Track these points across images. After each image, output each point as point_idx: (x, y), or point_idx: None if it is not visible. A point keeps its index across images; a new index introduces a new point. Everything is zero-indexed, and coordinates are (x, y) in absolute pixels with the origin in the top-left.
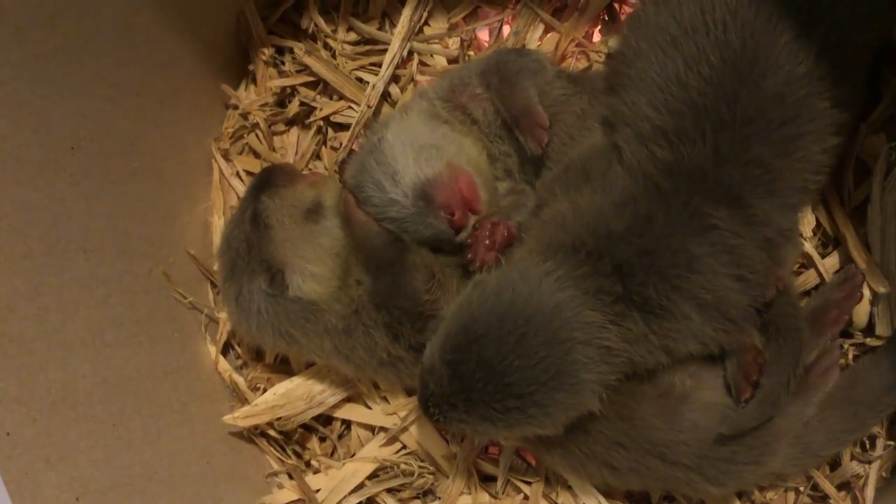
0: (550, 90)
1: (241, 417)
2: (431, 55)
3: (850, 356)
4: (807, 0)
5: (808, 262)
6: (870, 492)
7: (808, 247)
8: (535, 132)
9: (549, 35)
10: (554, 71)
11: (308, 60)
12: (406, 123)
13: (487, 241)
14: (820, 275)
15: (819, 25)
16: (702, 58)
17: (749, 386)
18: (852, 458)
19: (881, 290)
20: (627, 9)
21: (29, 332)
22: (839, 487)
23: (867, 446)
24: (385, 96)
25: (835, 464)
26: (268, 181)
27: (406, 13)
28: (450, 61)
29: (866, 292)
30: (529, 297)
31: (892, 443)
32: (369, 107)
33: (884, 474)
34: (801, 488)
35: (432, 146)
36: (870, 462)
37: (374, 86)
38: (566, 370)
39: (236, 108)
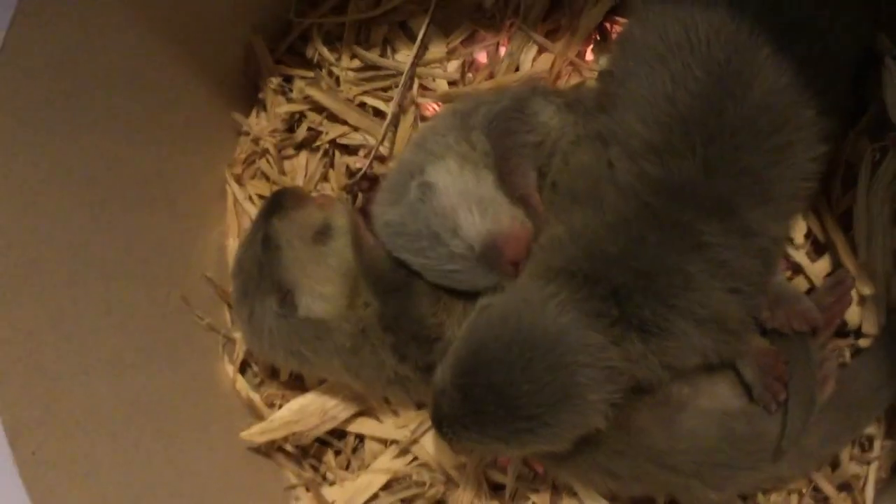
0: (556, 143)
1: (257, 434)
2: (434, 79)
3: (848, 356)
4: (788, 13)
5: (799, 268)
6: (869, 492)
7: (800, 254)
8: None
9: (542, 55)
10: (554, 107)
11: (310, 91)
12: (449, 169)
13: None
14: (810, 280)
15: (801, 36)
16: (688, 73)
17: (782, 386)
18: (851, 458)
19: (867, 291)
20: (618, 28)
21: (52, 358)
22: (840, 488)
23: (865, 446)
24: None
25: (835, 464)
26: (277, 205)
27: (412, 44)
28: (450, 84)
29: (855, 294)
30: (534, 324)
31: (889, 442)
32: (384, 145)
33: (883, 474)
34: (804, 490)
35: (491, 199)
36: (868, 463)
37: (388, 121)
38: (572, 392)
39: (248, 134)
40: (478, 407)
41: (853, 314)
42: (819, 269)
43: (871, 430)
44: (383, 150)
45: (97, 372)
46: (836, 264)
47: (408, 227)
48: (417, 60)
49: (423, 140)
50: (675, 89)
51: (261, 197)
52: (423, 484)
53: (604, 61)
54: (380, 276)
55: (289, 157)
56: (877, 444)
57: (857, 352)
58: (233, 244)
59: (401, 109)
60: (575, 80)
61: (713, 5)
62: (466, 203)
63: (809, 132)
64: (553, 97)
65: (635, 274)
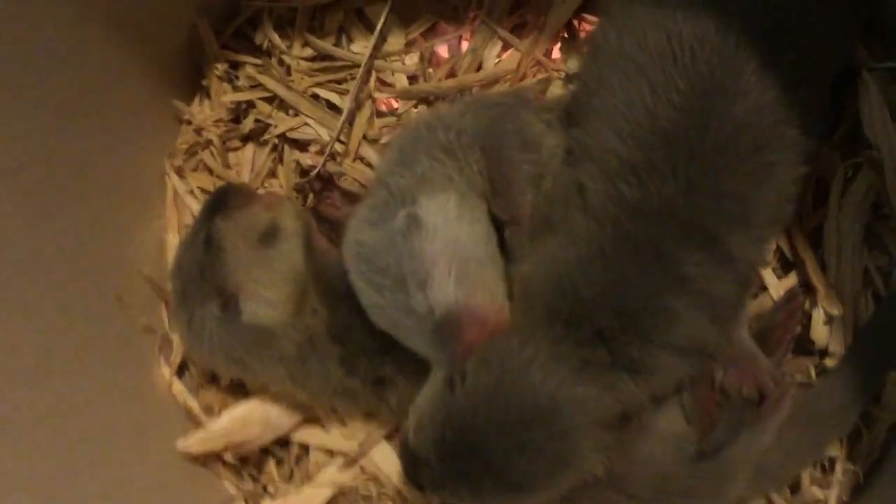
0: (546, 164)
1: (194, 443)
2: (392, 73)
3: (814, 374)
4: (775, 28)
5: (764, 286)
6: None
7: (766, 271)
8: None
9: (508, 53)
10: (544, 125)
11: (262, 79)
12: (445, 208)
13: None
14: (773, 299)
15: (788, 52)
16: (670, 85)
17: (713, 424)
18: (812, 482)
19: (835, 312)
20: (587, 26)
21: None
22: None
23: (826, 468)
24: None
25: (795, 487)
26: (221, 202)
27: (369, 34)
28: (409, 78)
29: (822, 314)
30: (522, 401)
31: (851, 465)
32: (340, 141)
33: (844, 497)
34: None
35: (477, 261)
36: (829, 486)
37: (344, 118)
38: (571, 457)
39: (189, 123)
40: (474, 485)
41: (820, 334)
42: (785, 286)
43: (833, 451)
44: (338, 147)
45: (21, 379)
46: (803, 282)
47: (378, 256)
48: (376, 52)
49: (414, 158)
50: (656, 102)
51: (203, 191)
52: (371, 498)
53: (573, 63)
54: (330, 283)
55: (234, 150)
56: (838, 467)
57: (822, 371)
58: (172, 239)
59: (356, 104)
60: (541, 75)
61: (699, 13)
62: (448, 258)
63: (792, 152)
64: (543, 112)
65: (617, 314)
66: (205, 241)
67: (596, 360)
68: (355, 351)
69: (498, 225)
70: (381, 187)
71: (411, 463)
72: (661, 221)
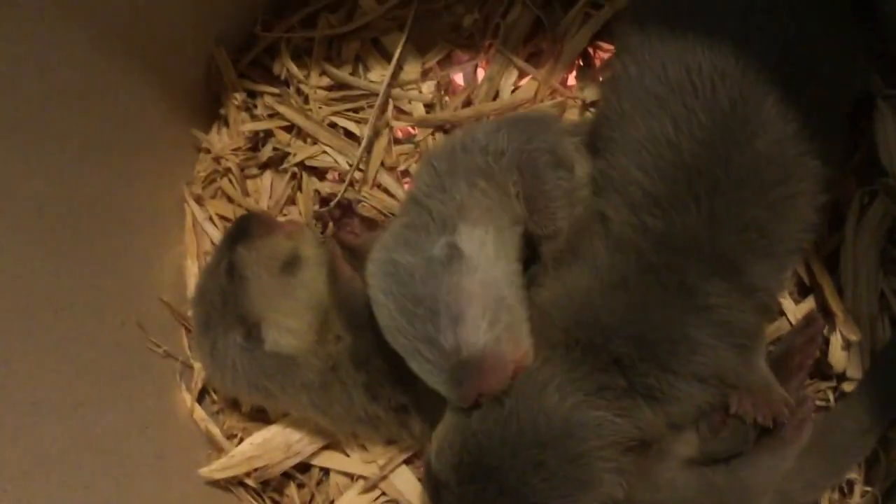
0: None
1: (217, 470)
2: (409, 101)
3: (832, 399)
4: (794, 58)
5: (781, 310)
6: None
7: (783, 295)
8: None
9: (524, 81)
10: (573, 148)
11: (281, 108)
12: (484, 245)
13: None
14: (791, 322)
15: (807, 82)
16: (692, 119)
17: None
18: None
19: (853, 337)
20: (602, 54)
21: None
22: None
23: (845, 491)
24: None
25: None
26: (243, 231)
27: (385, 62)
28: (426, 106)
29: (840, 339)
30: (536, 423)
31: (869, 489)
32: (359, 169)
33: None
34: None
35: (510, 307)
36: None
37: (363, 146)
38: (589, 478)
39: (208, 152)
40: None
41: (838, 358)
42: (802, 310)
43: (851, 474)
44: (356, 174)
45: (47, 412)
46: (820, 307)
47: (413, 283)
48: (394, 81)
49: (453, 183)
50: (679, 135)
51: (222, 218)
52: None
53: (589, 91)
54: (354, 310)
55: (252, 177)
56: (857, 489)
57: (841, 396)
58: (191, 266)
59: (374, 132)
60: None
61: (717, 46)
62: (484, 299)
63: (813, 182)
64: (570, 135)
65: (637, 342)
66: (227, 269)
67: (612, 385)
68: (379, 378)
69: (530, 241)
70: (419, 209)
71: (434, 488)
72: (685, 252)
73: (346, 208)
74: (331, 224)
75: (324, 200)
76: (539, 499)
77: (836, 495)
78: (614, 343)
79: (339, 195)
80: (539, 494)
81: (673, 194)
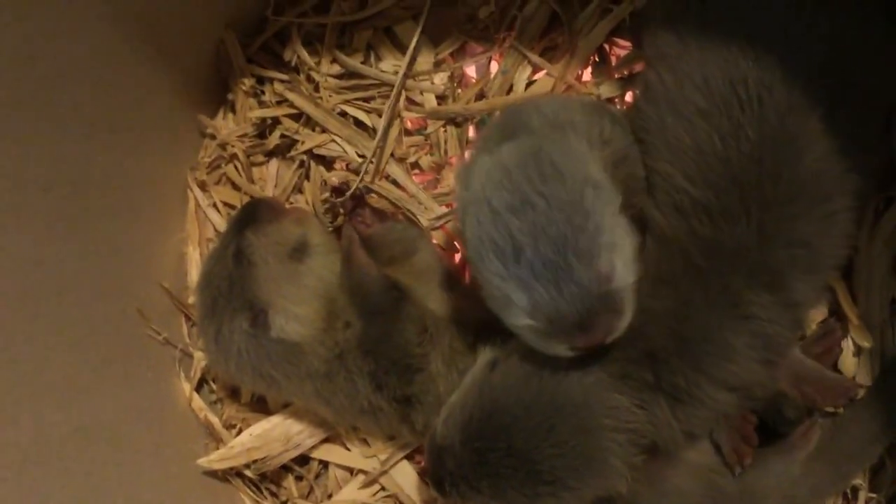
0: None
1: (216, 461)
2: (421, 92)
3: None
4: (838, 71)
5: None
6: None
7: None
8: None
9: (539, 75)
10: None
11: (290, 96)
12: (601, 174)
13: None
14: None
15: (850, 96)
16: (740, 133)
17: (749, 448)
18: None
19: (865, 344)
20: (618, 50)
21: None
22: None
23: (850, 497)
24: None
25: None
26: (252, 216)
27: (397, 51)
28: (438, 98)
29: (851, 345)
30: (557, 386)
31: (874, 495)
32: (371, 162)
33: None
34: None
35: (627, 246)
36: None
37: (379, 137)
38: (597, 456)
39: (213, 137)
40: (496, 470)
41: (849, 364)
42: (814, 315)
43: (856, 481)
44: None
45: (48, 398)
46: (832, 311)
47: (511, 202)
48: (408, 72)
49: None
50: (727, 149)
51: (226, 205)
52: None
53: (605, 88)
54: (367, 296)
55: (258, 164)
56: (861, 496)
57: (849, 402)
58: (193, 253)
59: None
60: None
61: (763, 58)
62: (613, 237)
63: (854, 197)
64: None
65: (674, 337)
66: (235, 254)
67: (639, 377)
68: (386, 367)
69: None
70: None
71: (435, 455)
72: (733, 260)
73: (359, 198)
74: (341, 213)
75: (335, 190)
76: (546, 466)
77: (840, 501)
78: (651, 333)
79: (354, 186)
80: (547, 462)
81: (722, 205)
